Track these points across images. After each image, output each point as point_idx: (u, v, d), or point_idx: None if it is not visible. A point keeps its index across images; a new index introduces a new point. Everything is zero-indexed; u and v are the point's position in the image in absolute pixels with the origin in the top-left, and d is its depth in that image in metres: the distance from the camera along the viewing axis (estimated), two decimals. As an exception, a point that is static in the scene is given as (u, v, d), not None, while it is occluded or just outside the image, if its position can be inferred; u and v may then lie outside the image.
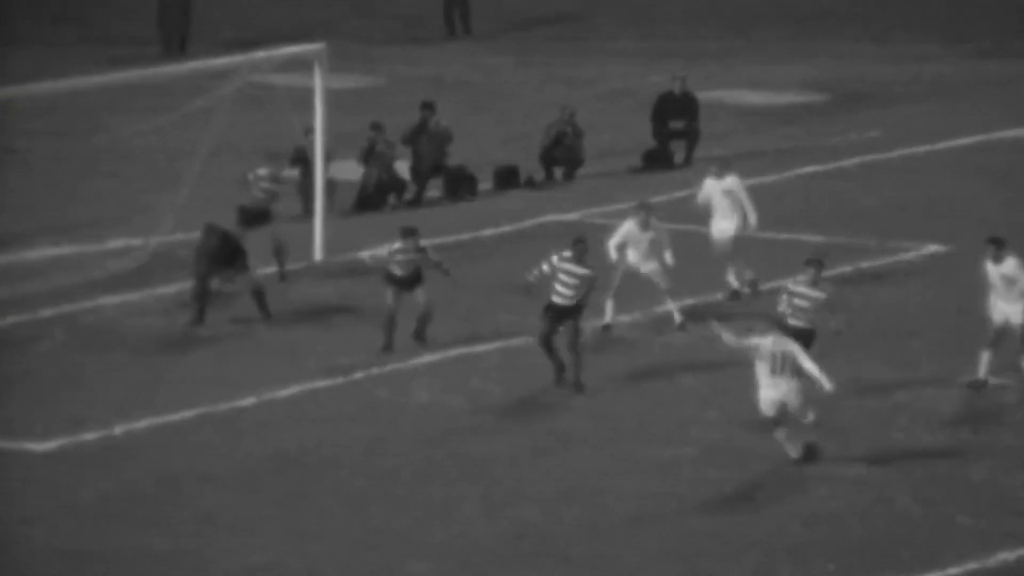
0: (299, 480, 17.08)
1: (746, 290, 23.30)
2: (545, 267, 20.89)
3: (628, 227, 22.45)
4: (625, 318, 22.73)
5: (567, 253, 20.31)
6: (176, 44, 39.51)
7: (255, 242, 24.40)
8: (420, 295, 21.01)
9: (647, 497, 16.37)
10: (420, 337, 20.84)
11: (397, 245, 21.48)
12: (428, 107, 28.90)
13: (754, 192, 24.94)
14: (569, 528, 15.45)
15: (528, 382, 20.64)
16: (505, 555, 14.87)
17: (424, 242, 21.93)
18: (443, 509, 15.86)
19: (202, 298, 22.09)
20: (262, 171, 24.66)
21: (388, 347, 20.84)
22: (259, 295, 21.63)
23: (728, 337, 17.62)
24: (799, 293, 20.10)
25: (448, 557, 14.72)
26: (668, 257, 22.50)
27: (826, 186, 30.98)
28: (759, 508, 16.43)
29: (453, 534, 15.15)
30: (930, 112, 36.12)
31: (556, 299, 20.64)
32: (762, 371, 17.20)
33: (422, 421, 19.22)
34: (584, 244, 20.55)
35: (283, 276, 24.24)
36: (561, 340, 20.00)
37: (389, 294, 20.87)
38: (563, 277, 20.99)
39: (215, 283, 23.00)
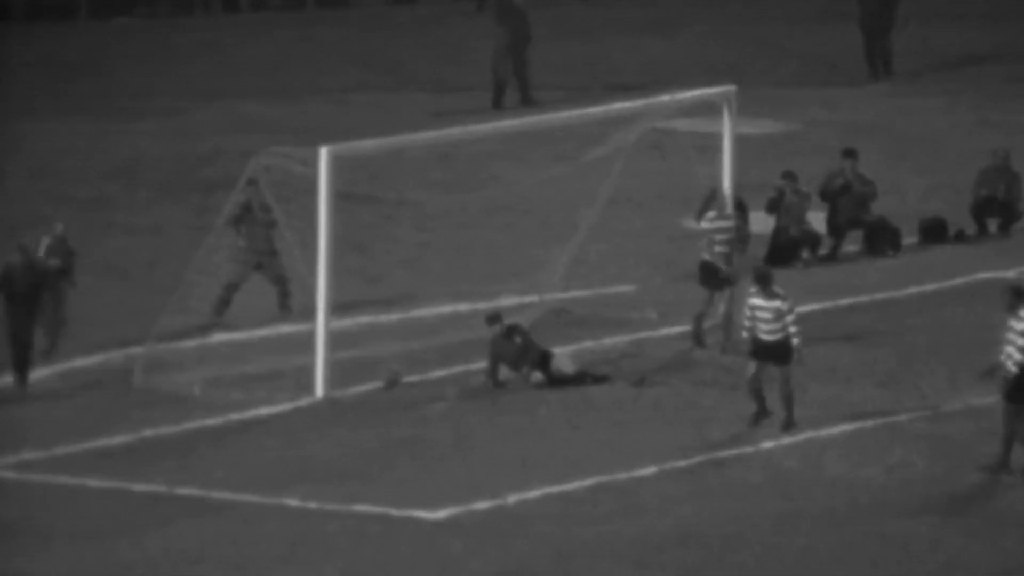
0: (702, 558, 16.99)
1: None
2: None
3: None
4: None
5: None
6: (522, 94, 40.91)
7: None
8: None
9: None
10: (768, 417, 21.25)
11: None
12: (850, 155, 29.24)
13: None
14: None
15: (957, 454, 20.15)
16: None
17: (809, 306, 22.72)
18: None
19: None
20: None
21: (761, 415, 20.89)
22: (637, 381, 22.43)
23: None
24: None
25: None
26: None
27: None
28: None
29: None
30: None
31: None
32: None
33: (835, 496, 18.94)
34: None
35: (700, 340, 24.39)
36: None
37: (752, 365, 21.02)
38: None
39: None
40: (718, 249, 24.65)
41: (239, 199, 26.01)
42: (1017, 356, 19.43)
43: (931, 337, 24.99)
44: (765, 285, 20.82)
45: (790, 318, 21.27)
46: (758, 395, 20.56)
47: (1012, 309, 19.92)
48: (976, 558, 17.25)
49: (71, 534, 18.16)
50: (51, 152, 36.85)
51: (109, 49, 45.59)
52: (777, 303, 20.92)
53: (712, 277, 24.44)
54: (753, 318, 21.18)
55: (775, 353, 20.78)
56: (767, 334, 21.07)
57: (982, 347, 23.65)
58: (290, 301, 26.27)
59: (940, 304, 26.71)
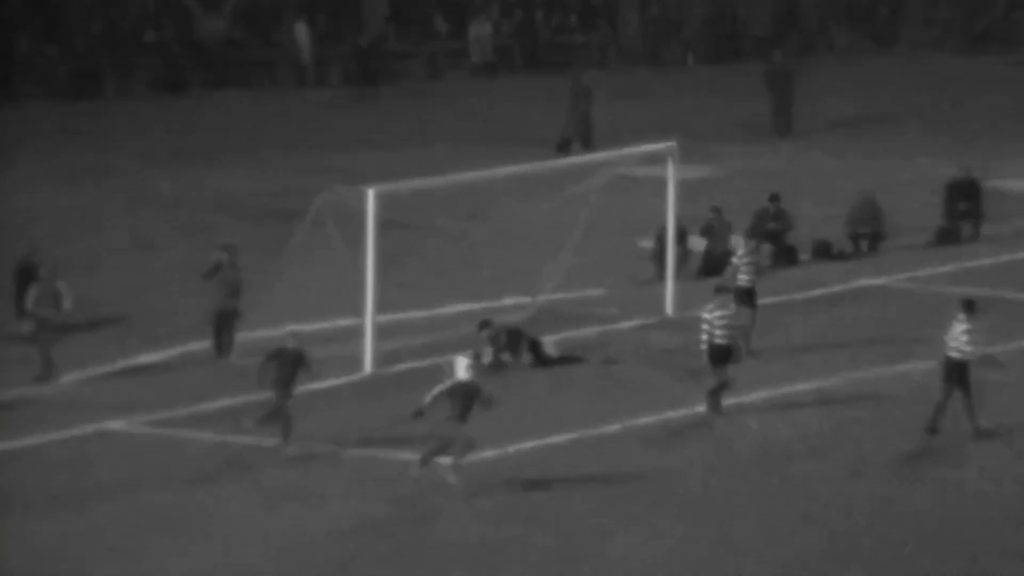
0: (651, 495, 16.84)
1: None
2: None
3: None
4: None
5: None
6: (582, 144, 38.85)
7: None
8: None
9: None
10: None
11: None
12: (775, 198, 29.14)
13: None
14: None
15: (844, 413, 19.70)
16: None
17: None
18: None
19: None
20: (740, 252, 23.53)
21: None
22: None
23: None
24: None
25: None
26: None
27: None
28: None
29: None
30: None
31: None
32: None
33: (754, 447, 18.68)
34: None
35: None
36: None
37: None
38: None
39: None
40: (720, 332, 21.44)
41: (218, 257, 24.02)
42: None
43: (827, 325, 25.10)
44: (971, 311, 18.92)
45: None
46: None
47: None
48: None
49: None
50: (176, 190, 35.09)
51: (216, 114, 43.78)
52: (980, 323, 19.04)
53: (723, 357, 21.55)
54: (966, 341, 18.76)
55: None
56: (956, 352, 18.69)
57: (865, 333, 24.08)
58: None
59: (830, 304, 26.54)
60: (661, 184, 25.58)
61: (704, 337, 19.96)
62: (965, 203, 30.42)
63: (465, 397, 17.06)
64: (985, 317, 20.39)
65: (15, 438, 19.32)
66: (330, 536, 16.29)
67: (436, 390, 17.27)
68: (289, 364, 18.64)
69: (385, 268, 23.18)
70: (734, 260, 24.05)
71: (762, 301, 23.89)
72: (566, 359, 23.05)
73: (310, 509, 17.12)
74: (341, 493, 17.51)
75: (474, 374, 17.91)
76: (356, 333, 22.93)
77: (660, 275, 25.95)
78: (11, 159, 35.74)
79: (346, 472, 18.49)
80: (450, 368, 18.48)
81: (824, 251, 29.46)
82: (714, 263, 26.97)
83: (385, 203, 22.63)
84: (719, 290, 21.21)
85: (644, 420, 19.87)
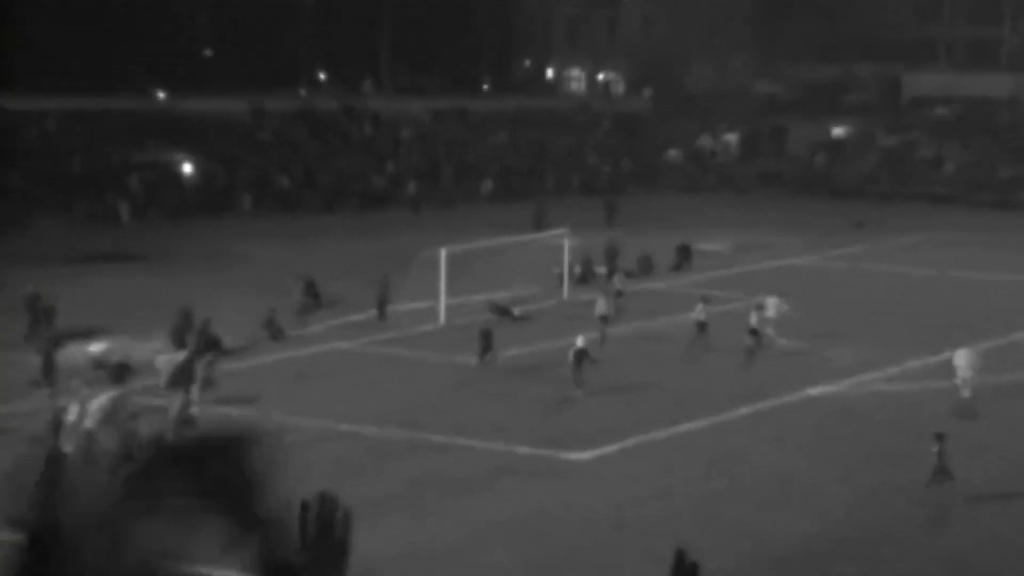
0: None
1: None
2: None
3: None
4: None
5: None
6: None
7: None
8: None
9: None
10: None
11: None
12: (613, 252, 43.66)
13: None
14: None
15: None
16: None
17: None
18: None
19: None
20: None
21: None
22: None
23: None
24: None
25: None
26: None
27: None
28: None
29: None
30: None
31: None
32: None
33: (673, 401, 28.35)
34: None
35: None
36: None
37: None
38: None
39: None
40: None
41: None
42: None
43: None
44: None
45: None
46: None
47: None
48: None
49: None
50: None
51: (263, 235, 53.50)
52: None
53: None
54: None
55: None
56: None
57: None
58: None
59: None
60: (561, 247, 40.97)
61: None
62: (683, 254, 47.16)
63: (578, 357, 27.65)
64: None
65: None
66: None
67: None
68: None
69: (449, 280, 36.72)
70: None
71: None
72: (516, 318, 36.35)
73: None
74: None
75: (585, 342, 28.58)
76: (435, 311, 36.15)
77: (560, 284, 41.36)
78: None
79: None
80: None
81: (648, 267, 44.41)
82: (585, 279, 42.42)
83: (450, 255, 35.93)
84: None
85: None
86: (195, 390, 26.18)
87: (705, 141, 71.89)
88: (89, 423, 19.49)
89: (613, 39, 79.09)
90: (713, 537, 19.73)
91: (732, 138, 72.61)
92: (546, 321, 37.20)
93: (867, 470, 24.27)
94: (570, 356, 29.09)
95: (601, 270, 43.22)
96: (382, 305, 37.19)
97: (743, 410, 28.27)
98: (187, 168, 57.75)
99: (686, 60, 74.57)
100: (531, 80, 79.07)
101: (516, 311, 37.47)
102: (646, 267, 45.35)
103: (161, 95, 60.41)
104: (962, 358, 27.79)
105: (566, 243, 41.61)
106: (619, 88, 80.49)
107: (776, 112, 74.78)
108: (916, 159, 68.97)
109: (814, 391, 30.01)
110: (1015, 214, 60.51)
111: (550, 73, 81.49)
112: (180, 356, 27.67)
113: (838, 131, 72.53)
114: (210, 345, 30.70)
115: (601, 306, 34.76)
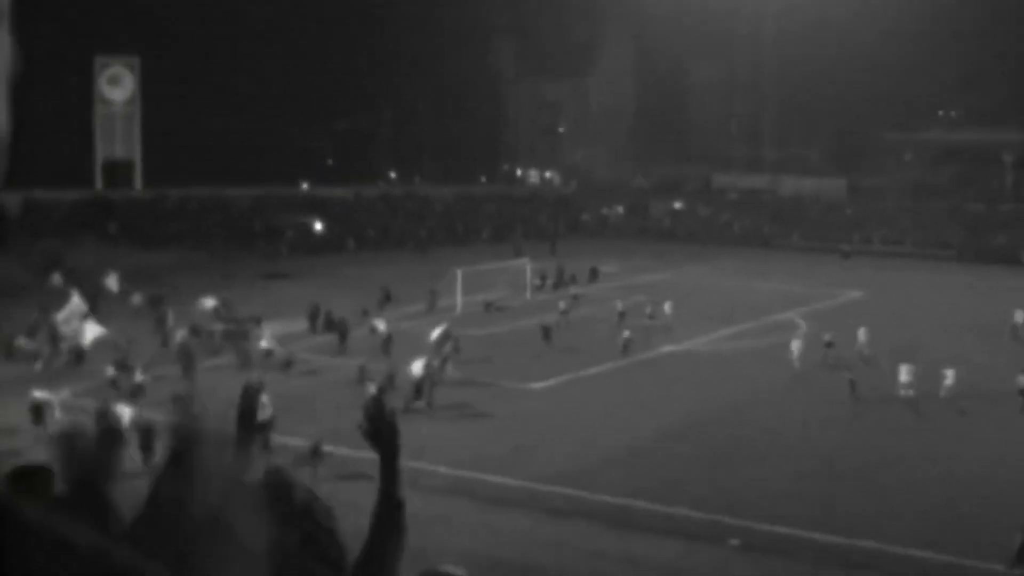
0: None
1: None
2: None
3: None
4: None
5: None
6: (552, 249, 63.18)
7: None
8: None
9: None
10: None
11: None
12: (575, 278, 52.79)
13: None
14: None
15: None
16: None
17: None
18: None
19: None
20: None
21: None
22: None
23: None
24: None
25: None
26: None
27: None
28: None
29: None
30: None
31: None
32: None
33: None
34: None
35: None
36: None
37: None
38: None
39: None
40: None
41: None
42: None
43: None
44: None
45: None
46: None
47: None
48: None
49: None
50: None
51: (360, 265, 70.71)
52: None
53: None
54: None
55: None
56: None
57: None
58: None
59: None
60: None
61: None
62: (593, 273, 62.01)
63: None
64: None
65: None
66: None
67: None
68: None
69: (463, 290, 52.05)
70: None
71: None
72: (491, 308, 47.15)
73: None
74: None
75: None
76: (453, 307, 50.44)
77: (527, 289, 56.65)
78: None
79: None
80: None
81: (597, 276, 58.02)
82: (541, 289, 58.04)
83: (465, 277, 49.20)
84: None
85: (551, 381, 28.88)
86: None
87: (604, 210, 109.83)
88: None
89: (554, 153, 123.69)
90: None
91: (620, 209, 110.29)
92: (515, 312, 52.06)
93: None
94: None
95: (551, 281, 62.76)
96: (433, 301, 54.58)
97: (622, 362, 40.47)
98: (318, 225, 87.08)
99: (594, 166, 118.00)
100: (507, 176, 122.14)
101: (496, 304, 52.77)
102: (594, 276, 66.91)
103: (304, 185, 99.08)
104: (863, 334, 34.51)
105: (528, 265, 62.91)
106: (557, 181, 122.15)
107: (643, 194, 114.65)
108: (716, 221, 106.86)
109: (667, 349, 44.71)
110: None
111: (519, 172, 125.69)
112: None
113: (677, 205, 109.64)
114: (330, 327, 42.45)
115: (560, 307, 48.63)
